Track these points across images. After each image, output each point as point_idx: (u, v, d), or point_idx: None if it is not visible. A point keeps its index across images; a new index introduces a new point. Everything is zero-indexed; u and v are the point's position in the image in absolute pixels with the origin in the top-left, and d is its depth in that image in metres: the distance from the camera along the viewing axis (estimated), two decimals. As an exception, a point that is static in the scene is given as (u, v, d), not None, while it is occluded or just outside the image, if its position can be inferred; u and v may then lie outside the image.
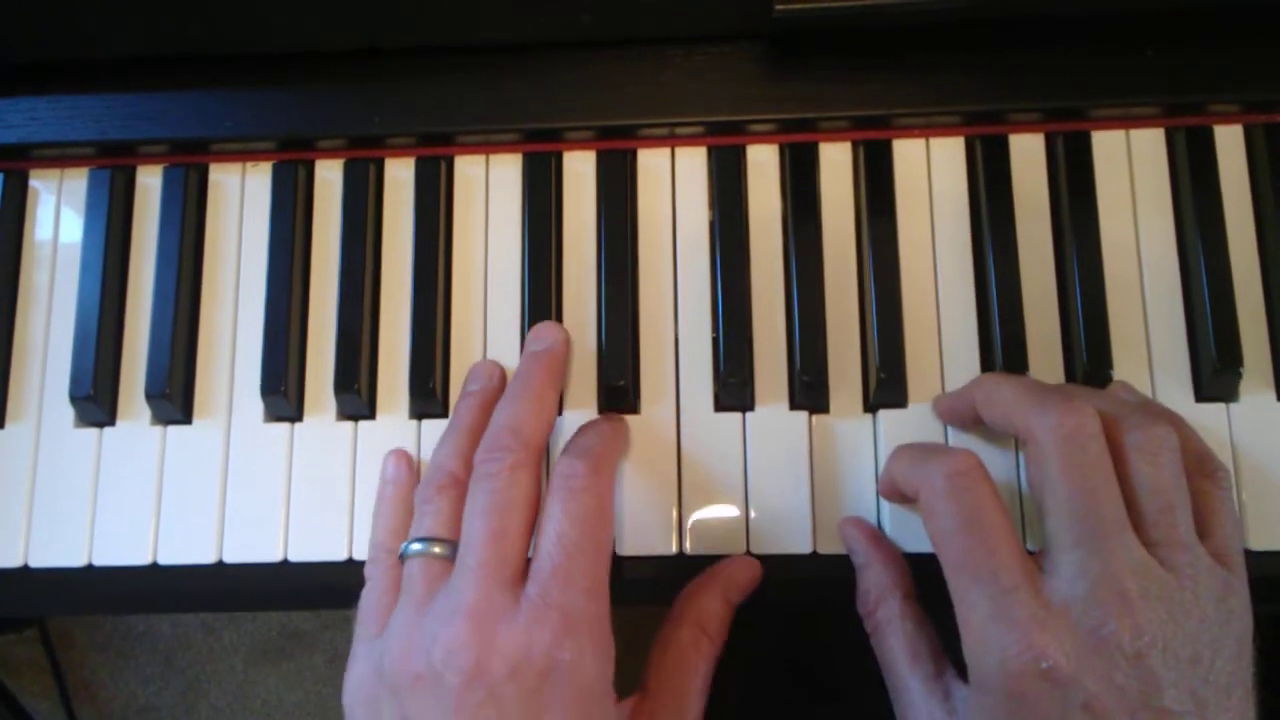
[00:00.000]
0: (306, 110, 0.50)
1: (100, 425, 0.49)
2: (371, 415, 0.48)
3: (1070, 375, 0.47)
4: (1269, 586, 0.43)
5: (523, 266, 0.49)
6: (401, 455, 0.47)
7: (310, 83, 0.50)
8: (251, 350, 0.49)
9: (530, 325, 0.48)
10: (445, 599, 0.39)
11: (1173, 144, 0.49)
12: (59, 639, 1.20)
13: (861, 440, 0.47)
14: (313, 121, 0.50)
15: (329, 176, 0.51)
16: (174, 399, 0.48)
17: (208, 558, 0.47)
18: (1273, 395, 0.46)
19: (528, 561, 0.40)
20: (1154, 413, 0.40)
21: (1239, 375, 0.45)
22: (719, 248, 0.48)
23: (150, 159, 0.51)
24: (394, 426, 0.48)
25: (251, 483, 0.48)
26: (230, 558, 0.47)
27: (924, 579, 0.44)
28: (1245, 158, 0.48)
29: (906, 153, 0.49)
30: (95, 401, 0.48)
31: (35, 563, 0.48)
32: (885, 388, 0.46)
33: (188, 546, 0.47)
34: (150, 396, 0.48)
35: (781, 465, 0.46)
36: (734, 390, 0.47)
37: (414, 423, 0.48)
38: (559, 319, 0.48)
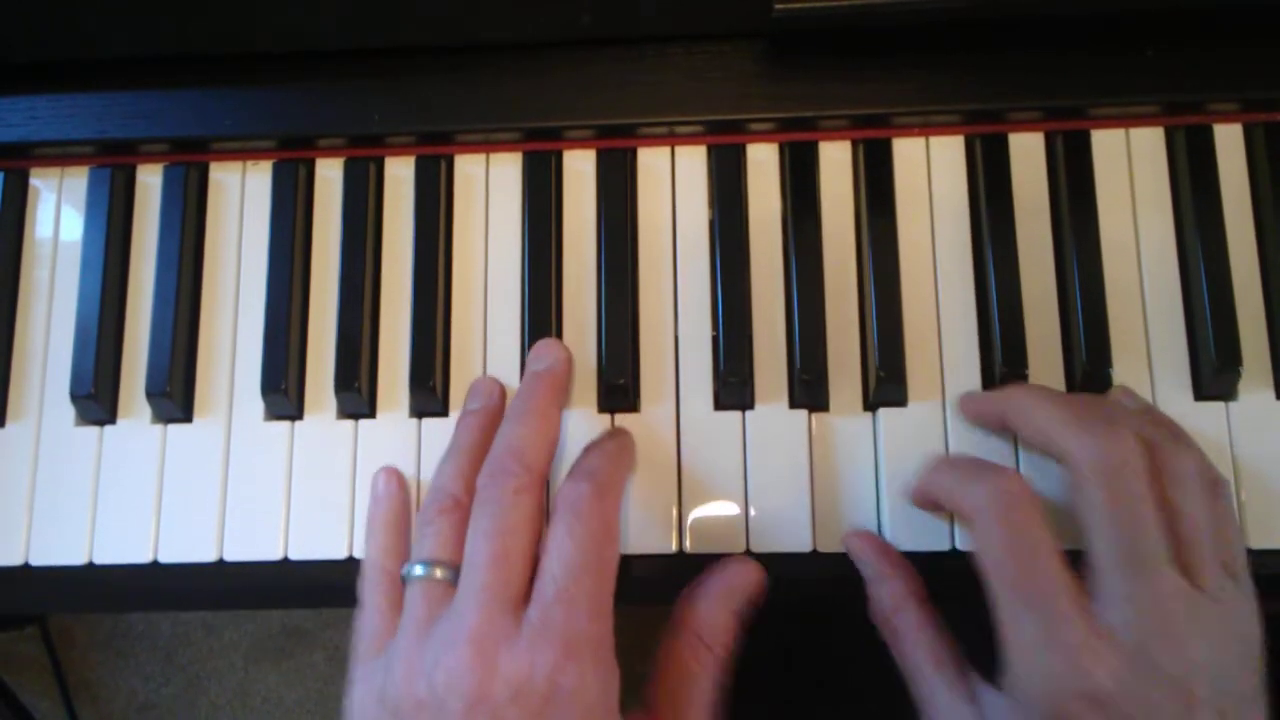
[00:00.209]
0: (306, 109, 0.50)
1: (101, 424, 0.49)
2: (372, 414, 0.48)
3: (1070, 373, 0.47)
4: (1268, 584, 0.43)
5: (523, 264, 0.49)
6: (392, 473, 0.47)
7: (310, 82, 0.50)
8: (252, 349, 0.49)
9: (531, 323, 0.48)
10: (447, 624, 0.39)
11: (1172, 143, 0.49)
12: (59, 637, 1.20)
13: (861, 439, 0.47)
14: (313, 120, 0.50)
15: (329, 175, 0.51)
16: (174, 397, 0.48)
17: (208, 556, 0.47)
18: (1272, 394, 0.46)
19: (531, 583, 0.40)
20: (1178, 437, 0.41)
21: (1238, 374, 0.46)
22: (719, 246, 0.48)
23: (150, 157, 0.51)
24: (394, 425, 0.48)
25: (252, 481, 0.48)
26: (231, 556, 0.47)
27: (927, 578, 0.44)
28: (1245, 157, 0.49)
29: (906, 152, 0.49)
30: (96, 400, 0.48)
31: (36, 561, 0.48)
32: (885, 386, 0.46)
33: (188, 545, 0.47)
34: (151, 395, 0.48)
35: (781, 464, 0.46)
36: (734, 389, 0.47)
37: (414, 421, 0.48)
38: (559, 317, 0.49)
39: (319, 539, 0.47)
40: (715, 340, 0.48)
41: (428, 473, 0.47)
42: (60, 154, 0.52)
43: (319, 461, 0.48)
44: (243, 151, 0.51)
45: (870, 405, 0.47)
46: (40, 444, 0.49)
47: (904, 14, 0.46)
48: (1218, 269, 0.46)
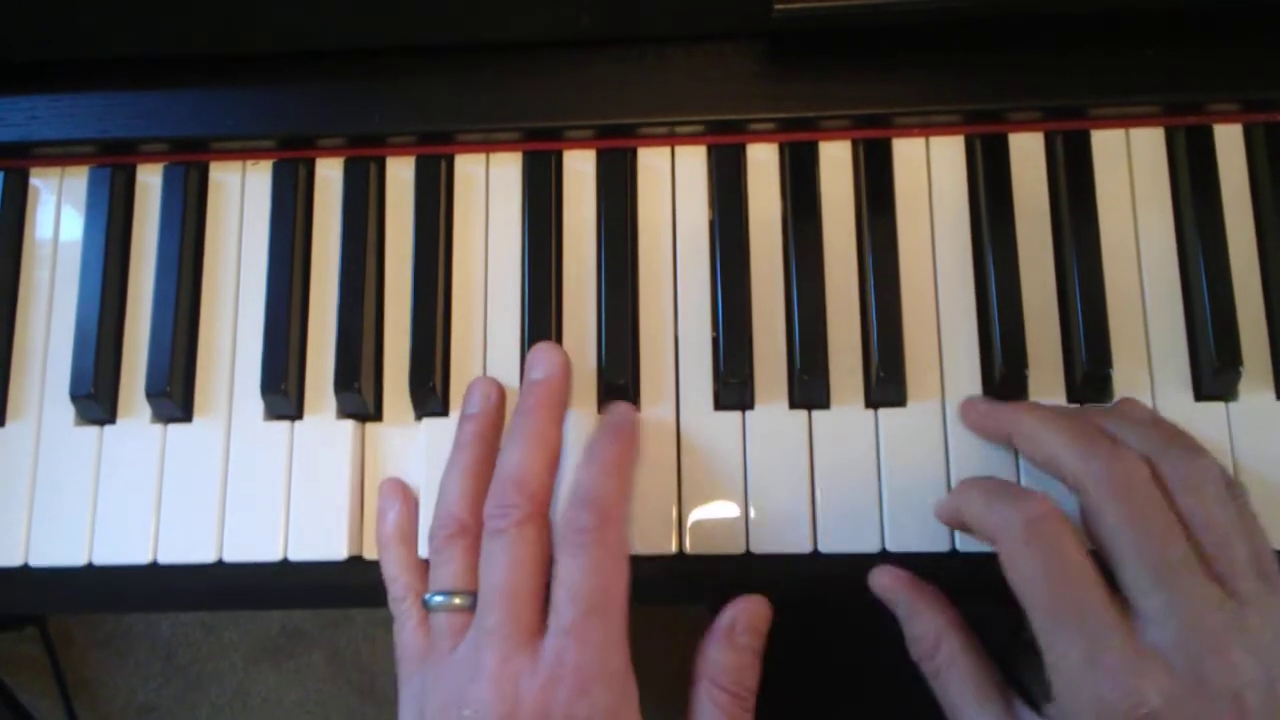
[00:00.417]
0: (307, 109, 0.50)
1: (101, 423, 0.49)
2: (372, 414, 0.48)
3: (1070, 373, 0.47)
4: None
5: (523, 264, 0.49)
6: (396, 484, 0.47)
7: (310, 81, 0.50)
8: (252, 348, 0.49)
9: (530, 323, 0.48)
10: (469, 657, 0.40)
11: (1172, 143, 0.49)
12: (59, 637, 1.20)
13: (861, 439, 0.47)
14: (313, 120, 0.50)
15: (329, 175, 0.51)
16: (174, 397, 0.48)
17: (208, 556, 0.47)
18: (1272, 394, 0.46)
19: (546, 606, 0.40)
20: (1190, 446, 0.41)
21: (1238, 374, 0.46)
22: (719, 246, 0.48)
23: (151, 157, 0.51)
24: (395, 424, 0.48)
25: (252, 481, 0.48)
26: (230, 556, 0.47)
27: (927, 578, 0.44)
28: (1245, 157, 0.48)
29: (906, 152, 0.49)
30: (95, 400, 0.48)
31: (35, 561, 0.48)
32: (885, 386, 0.46)
33: (188, 545, 0.47)
34: (150, 395, 0.48)
35: (781, 464, 0.46)
36: (734, 390, 0.47)
37: (415, 420, 0.48)
38: (559, 317, 0.49)
39: (319, 540, 0.47)
40: (715, 340, 0.48)
41: (429, 473, 0.47)
42: (60, 154, 0.52)
43: (319, 461, 0.48)
44: (243, 151, 0.51)
45: (870, 405, 0.47)
46: (40, 444, 0.49)
47: (904, 14, 0.46)
48: (1218, 269, 0.46)
